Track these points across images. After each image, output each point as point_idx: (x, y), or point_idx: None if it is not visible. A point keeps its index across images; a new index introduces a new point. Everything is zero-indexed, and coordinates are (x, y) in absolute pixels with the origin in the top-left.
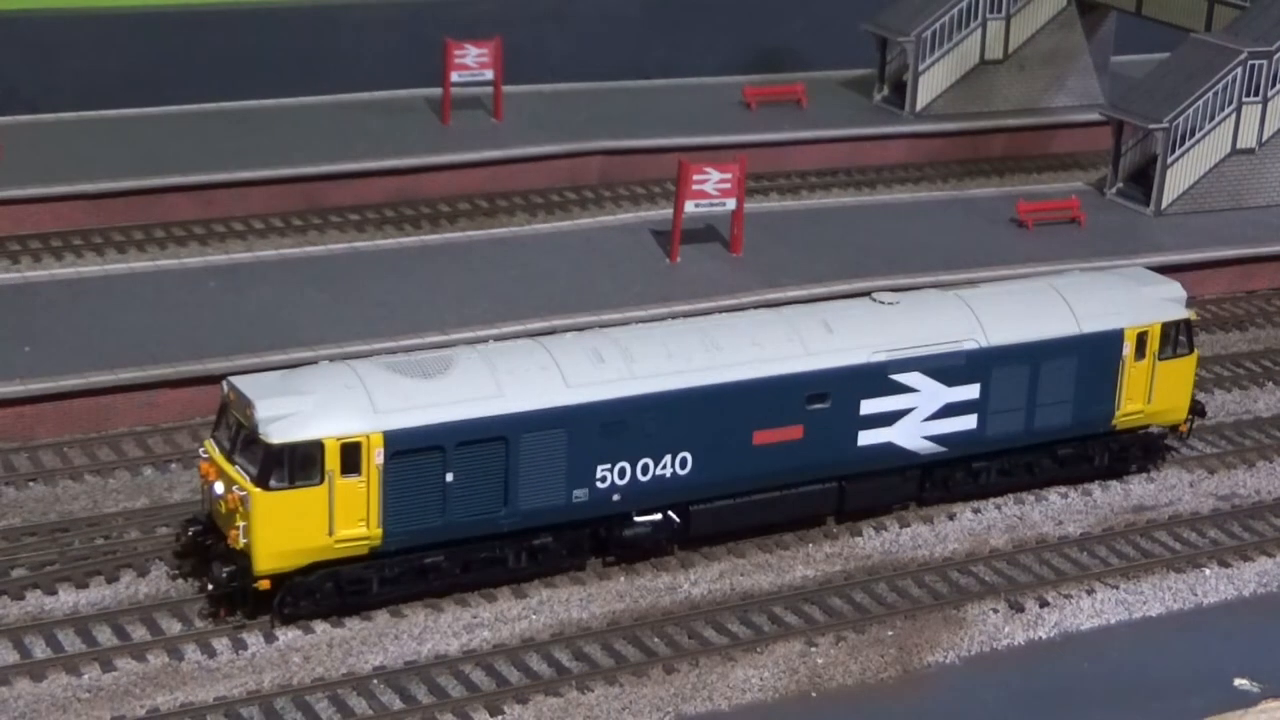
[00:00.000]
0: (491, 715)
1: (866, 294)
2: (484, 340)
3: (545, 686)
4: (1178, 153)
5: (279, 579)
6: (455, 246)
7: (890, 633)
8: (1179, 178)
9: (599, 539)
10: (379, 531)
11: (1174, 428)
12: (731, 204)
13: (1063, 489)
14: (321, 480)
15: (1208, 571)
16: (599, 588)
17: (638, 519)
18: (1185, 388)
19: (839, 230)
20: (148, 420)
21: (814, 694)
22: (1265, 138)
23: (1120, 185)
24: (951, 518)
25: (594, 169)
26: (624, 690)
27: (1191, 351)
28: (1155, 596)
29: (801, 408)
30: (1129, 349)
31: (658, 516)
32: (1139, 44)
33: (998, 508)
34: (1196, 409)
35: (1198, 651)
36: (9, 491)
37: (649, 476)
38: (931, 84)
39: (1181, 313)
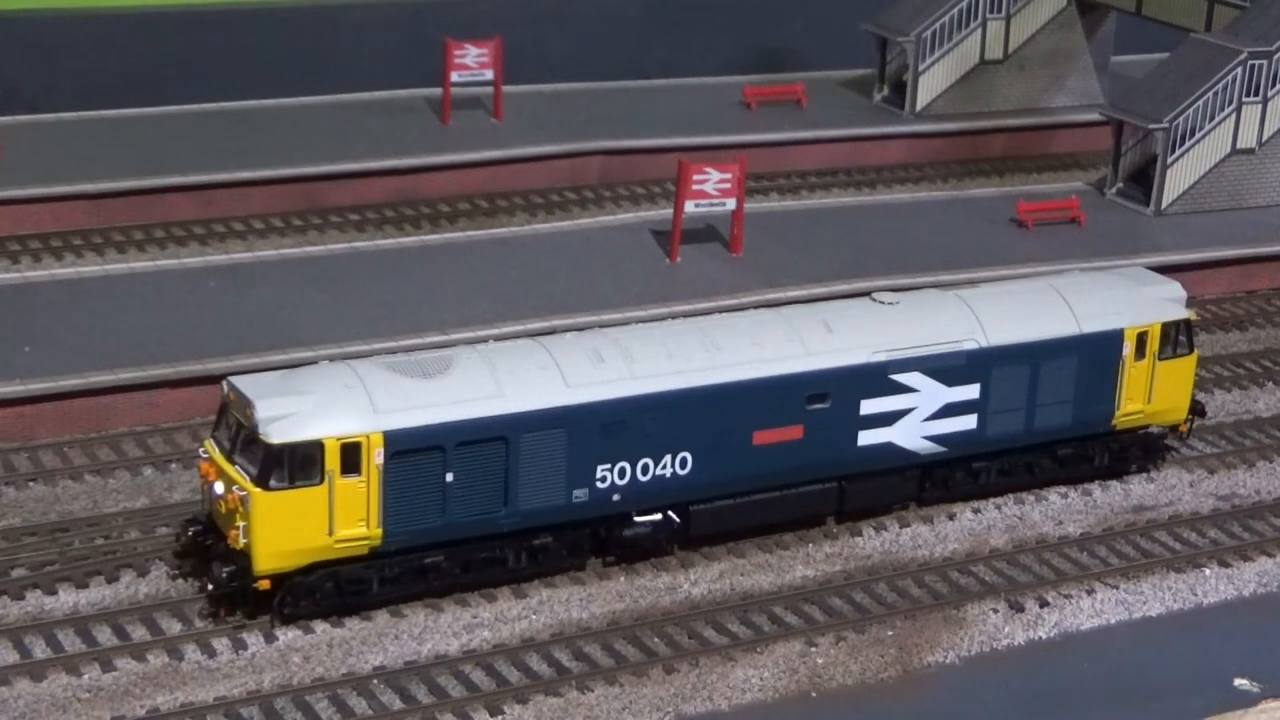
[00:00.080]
0: (491, 715)
1: (866, 294)
2: (484, 340)
3: (545, 686)
4: (1178, 153)
5: (279, 579)
6: (455, 246)
7: (890, 633)
8: (1179, 178)
9: (599, 539)
10: (379, 531)
11: (1174, 428)
12: (731, 204)
13: (1063, 489)
14: (321, 480)
15: (1208, 571)
16: (599, 588)
17: (638, 519)
18: (1185, 388)
19: (839, 230)
20: (148, 420)
21: (814, 694)
22: (1265, 138)
23: (1120, 185)
24: (951, 518)
25: (594, 169)
26: (624, 690)
27: (1191, 351)
28: (1155, 596)
29: (801, 408)
30: (1129, 349)
31: (658, 516)
32: (1139, 44)
33: (998, 508)
34: (1196, 409)
35: (1198, 651)
36: (9, 491)
37: (649, 476)
38: (931, 84)
39: (1181, 313)
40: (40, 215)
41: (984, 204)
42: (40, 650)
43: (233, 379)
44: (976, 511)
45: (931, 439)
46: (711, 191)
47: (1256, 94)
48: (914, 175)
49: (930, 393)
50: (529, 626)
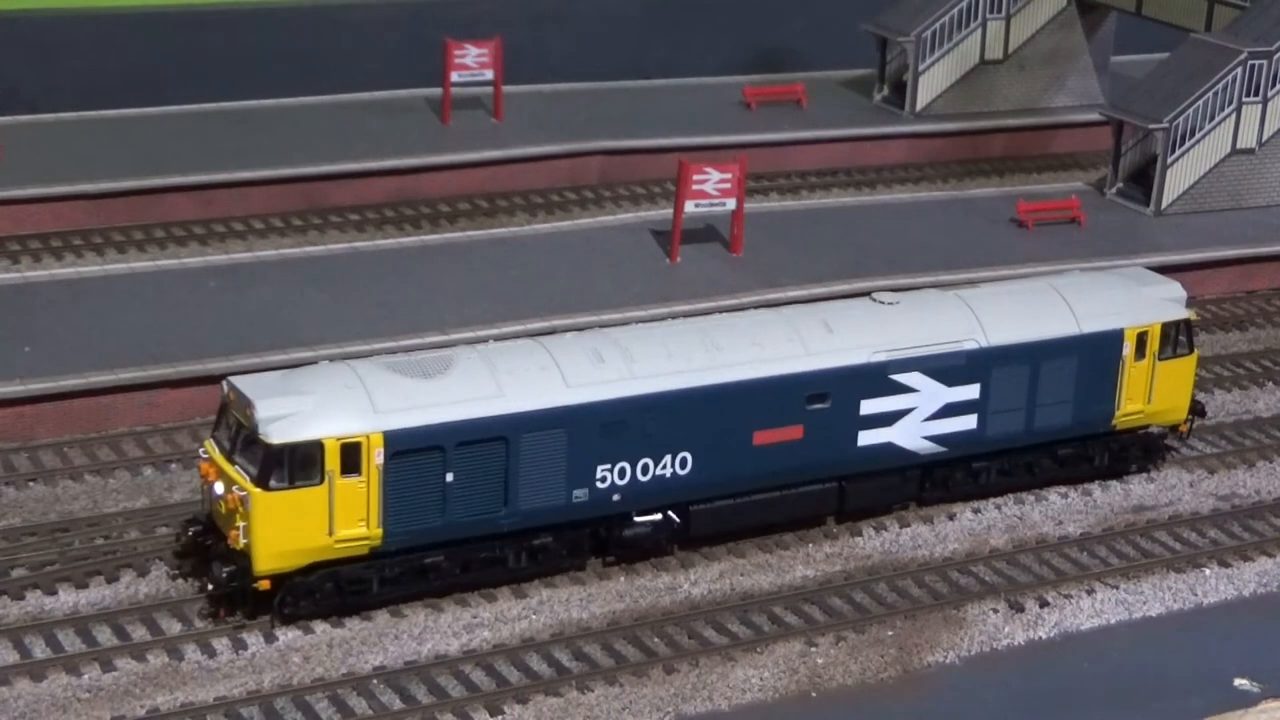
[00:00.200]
0: (491, 715)
1: (866, 294)
2: (484, 340)
3: (545, 686)
4: (1178, 153)
5: (279, 579)
6: (455, 246)
7: (890, 633)
8: (1179, 178)
9: (599, 539)
10: (379, 531)
11: (1174, 428)
12: (731, 204)
13: (1063, 489)
14: (321, 480)
15: (1208, 571)
16: (599, 588)
17: (638, 519)
18: (1185, 388)
19: (839, 230)
20: (148, 420)
21: (814, 694)
22: (1265, 138)
23: (1120, 185)
24: (951, 518)
25: (594, 169)
26: (624, 690)
27: (1191, 351)
28: (1155, 596)
29: (801, 408)
30: (1129, 349)
31: (658, 516)
32: (1139, 44)
33: (998, 508)
34: (1196, 409)
35: (1198, 651)
36: (9, 491)
37: (649, 476)
38: (931, 84)
39: (1181, 313)
40: (40, 215)
41: (984, 204)
42: (40, 650)
43: (233, 379)
44: (976, 511)
45: (931, 439)
46: (711, 191)
47: (1256, 94)
48: (914, 175)
49: (930, 393)
50: (529, 626)
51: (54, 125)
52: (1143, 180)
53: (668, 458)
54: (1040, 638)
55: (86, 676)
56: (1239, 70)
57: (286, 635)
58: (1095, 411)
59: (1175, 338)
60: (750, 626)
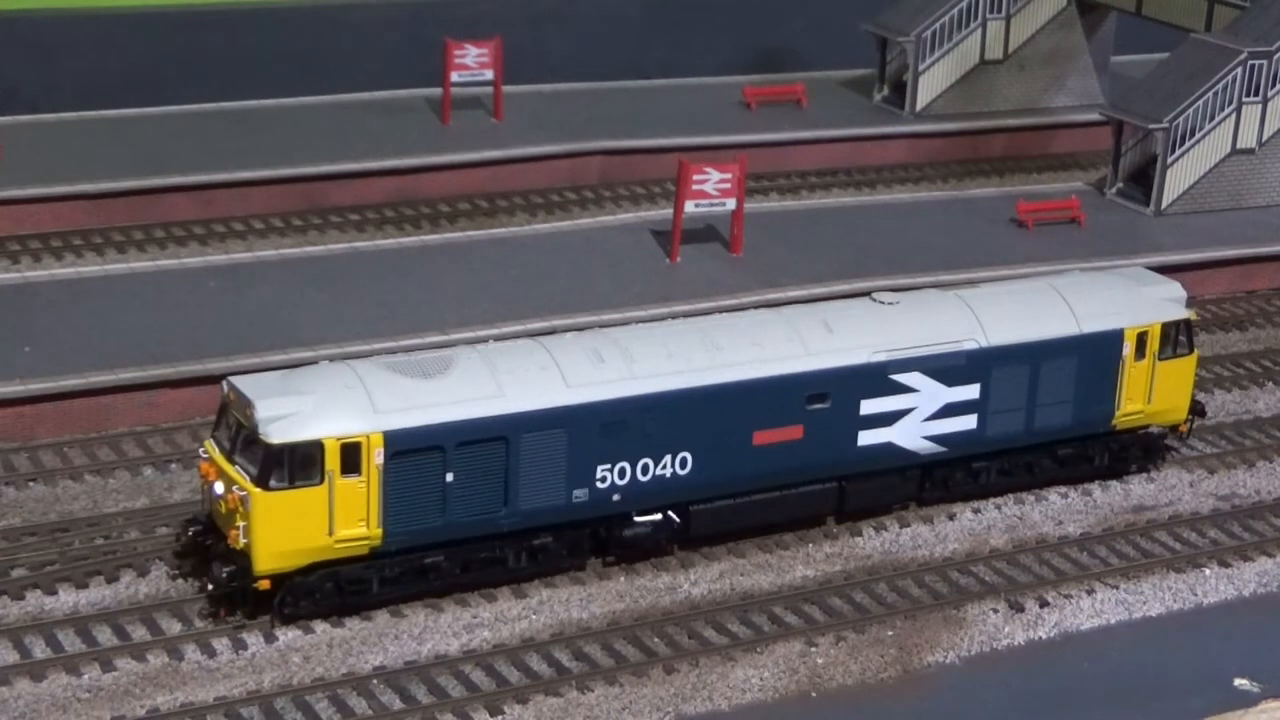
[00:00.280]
0: (491, 715)
1: (866, 294)
2: (484, 340)
3: (545, 686)
4: (1178, 153)
5: (279, 579)
6: (455, 246)
7: (890, 633)
8: (1179, 178)
9: (599, 539)
10: (379, 531)
11: (1174, 428)
12: (731, 204)
13: (1063, 489)
14: (321, 480)
15: (1208, 571)
16: (599, 588)
17: (638, 519)
18: (1185, 388)
19: (839, 230)
20: (148, 420)
21: (814, 694)
22: (1265, 138)
23: (1120, 185)
24: (951, 518)
25: (594, 169)
26: (624, 690)
27: (1191, 351)
28: (1155, 596)
29: (801, 408)
30: (1129, 349)
31: (658, 516)
32: (1139, 44)
33: (998, 508)
34: (1196, 409)
35: (1198, 651)
36: (9, 491)
37: (649, 476)
38: (931, 84)
39: (1181, 313)
40: (40, 215)
41: (984, 204)
42: (40, 650)
43: (233, 379)
44: (976, 511)
45: (931, 439)
46: (711, 191)
47: (1256, 94)
48: (914, 175)
49: (930, 393)
50: (529, 626)
51: (54, 125)
52: (1143, 180)
53: (668, 458)
54: (1040, 638)
55: (86, 676)
56: (1239, 70)
57: (286, 635)
58: (1095, 411)
59: (1175, 338)
60: (750, 626)
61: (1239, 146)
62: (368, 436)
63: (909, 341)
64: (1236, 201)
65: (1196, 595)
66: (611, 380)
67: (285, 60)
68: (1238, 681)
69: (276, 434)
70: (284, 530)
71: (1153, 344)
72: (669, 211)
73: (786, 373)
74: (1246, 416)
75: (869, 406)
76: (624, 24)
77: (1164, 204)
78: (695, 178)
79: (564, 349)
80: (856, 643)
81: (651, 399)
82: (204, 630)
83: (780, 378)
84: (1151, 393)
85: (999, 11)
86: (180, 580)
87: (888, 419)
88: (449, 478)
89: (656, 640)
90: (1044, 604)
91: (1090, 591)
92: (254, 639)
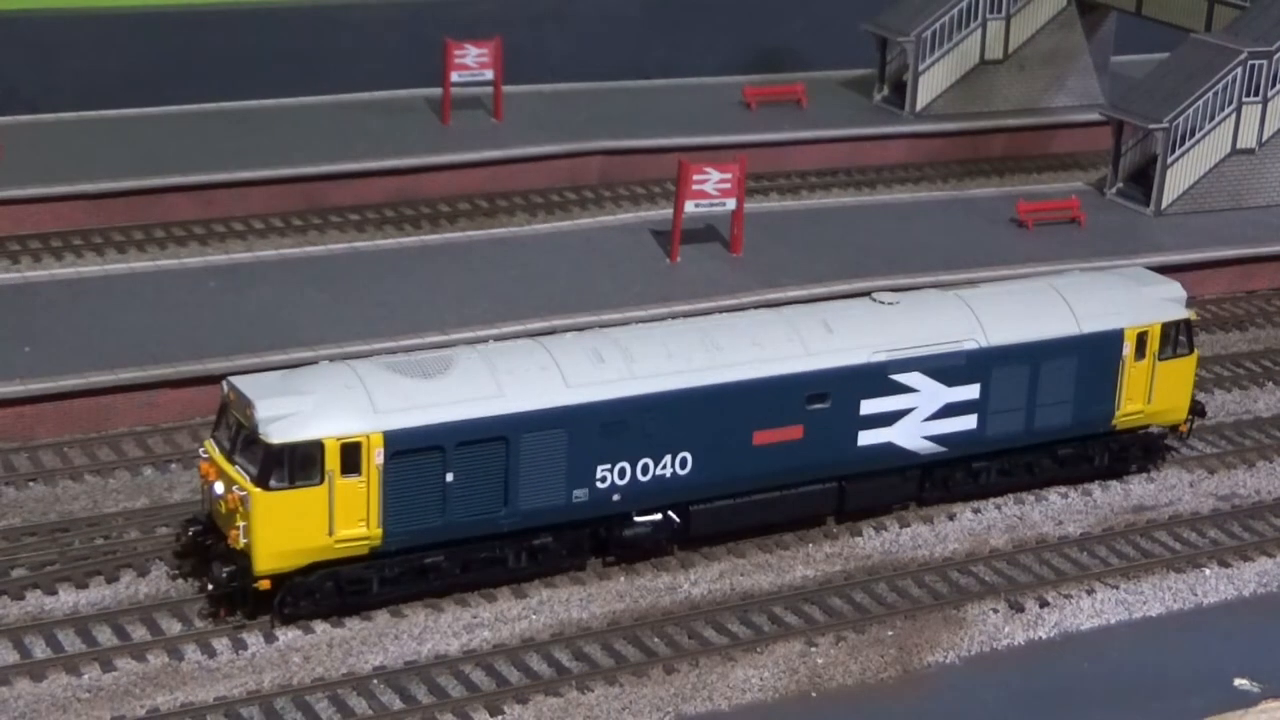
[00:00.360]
0: (491, 715)
1: (866, 294)
2: (484, 340)
3: (545, 686)
4: (1178, 153)
5: (279, 579)
6: (455, 246)
7: (890, 633)
8: (1179, 178)
9: (599, 539)
10: (379, 531)
11: (1174, 428)
12: (731, 204)
13: (1063, 489)
14: (321, 480)
15: (1208, 571)
16: (599, 588)
17: (638, 519)
18: (1185, 388)
19: (839, 230)
20: (148, 420)
21: (814, 694)
22: (1265, 138)
23: (1120, 185)
24: (951, 518)
25: (594, 169)
26: (624, 690)
27: (1191, 351)
28: (1155, 596)
29: (801, 408)
30: (1129, 349)
31: (658, 516)
32: (1139, 44)
33: (998, 508)
34: (1196, 409)
35: (1198, 651)
36: (9, 491)
37: (649, 476)
38: (931, 84)
39: (1181, 313)
40: (40, 215)
41: (984, 204)
42: (40, 650)
43: (233, 379)
44: (976, 511)
45: (931, 439)
46: (711, 191)
47: (1256, 94)
48: (914, 175)
49: (930, 393)
50: (529, 626)
51: (54, 125)
52: (1143, 180)
53: (668, 458)
54: (1040, 638)
55: (86, 676)
56: (1239, 70)
57: (286, 635)
58: (1095, 411)
59: (1175, 338)
60: (750, 626)
61: (1239, 146)
62: (368, 436)
63: (909, 341)
64: (1236, 201)
65: (1196, 595)
66: (611, 380)
67: (285, 60)
68: (1238, 681)
69: (276, 434)
70: (284, 530)
71: (1153, 344)
72: (669, 211)
73: (786, 373)
74: (1246, 416)
75: (869, 406)
76: (624, 24)
77: (1164, 204)
78: (695, 178)
79: (564, 349)
80: (856, 643)
81: (651, 399)
82: (204, 630)
83: (780, 378)
84: (1151, 393)
85: (999, 11)
86: (180, 580)
87: (888, 419)
88: (449, 478)
89: (656, 640)
90: (1044, 604)
91: (1090, 591)
92: (254, 639)
